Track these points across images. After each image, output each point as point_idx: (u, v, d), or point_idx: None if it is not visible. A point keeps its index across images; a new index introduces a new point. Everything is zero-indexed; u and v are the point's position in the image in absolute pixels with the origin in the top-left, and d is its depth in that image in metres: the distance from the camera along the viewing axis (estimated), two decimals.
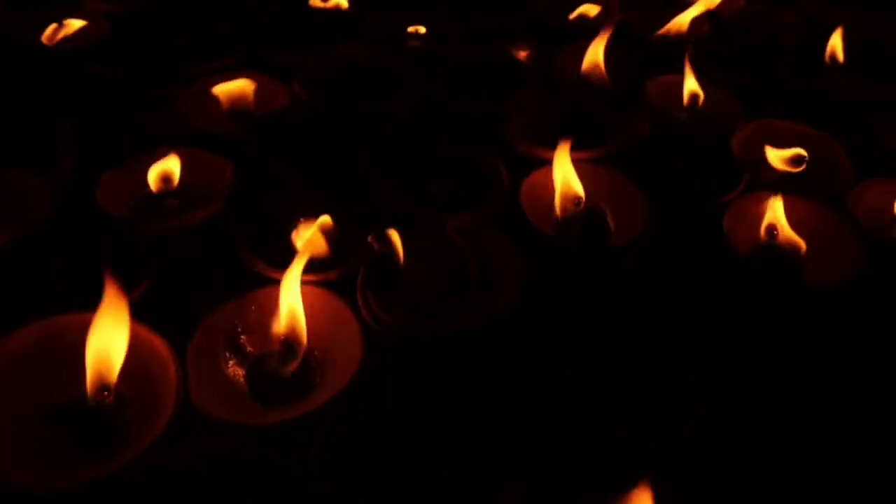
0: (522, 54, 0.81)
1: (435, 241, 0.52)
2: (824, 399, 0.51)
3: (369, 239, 0.50)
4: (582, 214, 0.57)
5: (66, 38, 0.72)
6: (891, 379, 0.52)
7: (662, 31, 0.80)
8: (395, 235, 0.49)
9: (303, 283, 0.47)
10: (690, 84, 0.70)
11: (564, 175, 0.57)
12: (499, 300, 0.48)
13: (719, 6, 0.84)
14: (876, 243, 0.58)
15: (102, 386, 0.40)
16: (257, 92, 0.67)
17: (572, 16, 0.84)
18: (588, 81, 0.74)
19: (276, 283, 0.48)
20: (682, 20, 0.80)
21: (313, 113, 0.66)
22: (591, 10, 0.84)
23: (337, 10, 0.80)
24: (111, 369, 0.41)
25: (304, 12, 0.79)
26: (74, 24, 0.73)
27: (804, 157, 0.64)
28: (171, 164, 0.55)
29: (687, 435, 0.47)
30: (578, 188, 0.57)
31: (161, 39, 0.74)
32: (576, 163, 0.59)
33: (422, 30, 0.78)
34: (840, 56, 0.77)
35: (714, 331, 0.53)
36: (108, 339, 0.41)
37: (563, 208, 0.57)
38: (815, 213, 0.59)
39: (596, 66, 0.74)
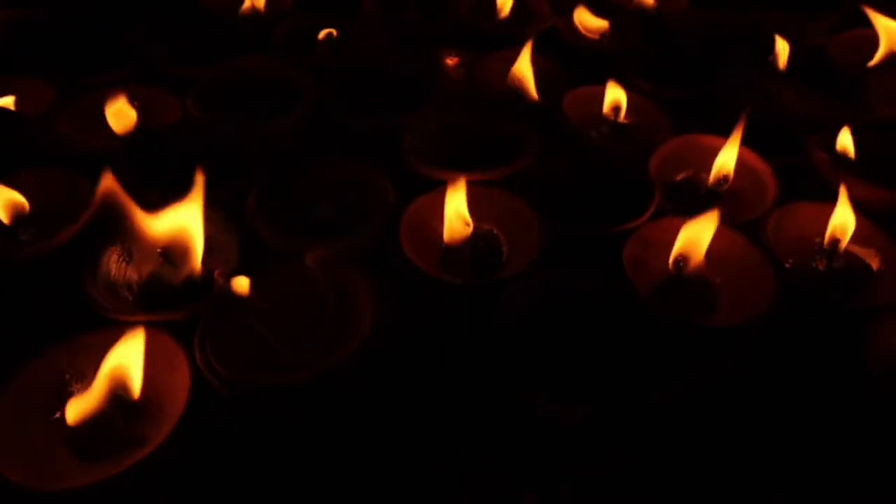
0: (448, 62, 0.77)
1: (294, 274, 0.47)
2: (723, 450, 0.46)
3: (216, 275, 0.46)
4: (471, 243, 0.53)
5: None
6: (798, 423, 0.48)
7: (590, 34, 0.75)
8: (238, 269, 0.45)
9: (142, 324, 0.43)
10: (613, 94, 0.65)
11: (456, 206, 0.52)
12: (353, 345, 0.43)
13: (658, 10, 0.79)
14: (792, 277, 0.53)
15: None
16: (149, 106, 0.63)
17: (502, 16, 0.79)
18: (511, 93, 0.69)
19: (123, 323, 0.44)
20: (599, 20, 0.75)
21: (201, 128, 0.61)
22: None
23: (249, 16, 0.75)
24: None
25: (210, 20, 0.75)
26: None
27: (728, 176, 0.59)
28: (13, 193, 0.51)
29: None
30: (466, 216, 0.52)
31: (53, 49, 0.70)
32: (471, 186, 0.55)
33: (333, 33, 0.73)
34: (781, 65, 0.71)
35: (605, 369, 0.48)
36: None
37: (451, 236, 0.53)
38: (729, 240, 0.54)
39: (521, 77, 0.69)
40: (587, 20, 0.77)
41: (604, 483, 0.44)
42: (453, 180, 0.52)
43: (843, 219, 0.53)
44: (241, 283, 0.45)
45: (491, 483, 0.44)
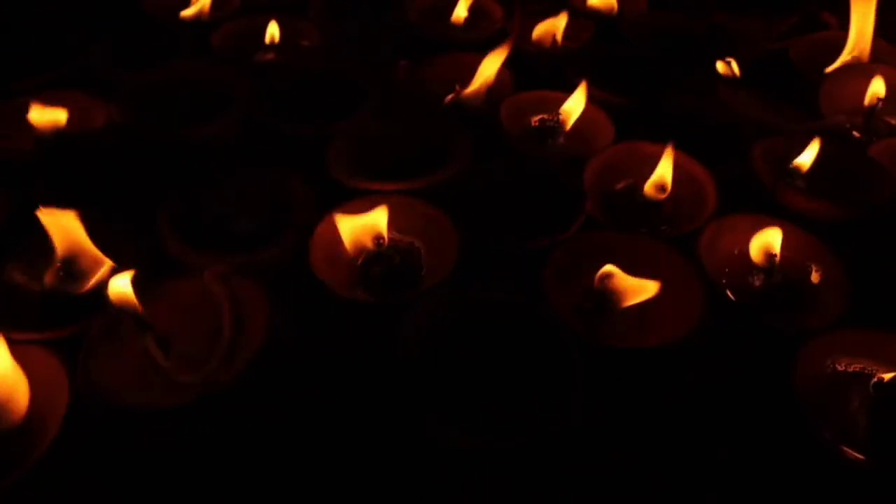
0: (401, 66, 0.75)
1: (191, 290, 0.46)
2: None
3: (108, 291, 0.44)
4: (387, 257, 0.51)
5: None
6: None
7: (537, 36, 0.73)
8: (127, 280, 0.43)
9: (22, 342, 0.42)
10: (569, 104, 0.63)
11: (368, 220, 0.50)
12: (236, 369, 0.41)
13: (617, 12, 0.76)
14: (725, 294, 0.50)
15: None
16: (73, 112, 0.61)
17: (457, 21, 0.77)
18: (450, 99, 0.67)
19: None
20: (556, 23, 0.72)
21: (126, 135, 0.60)
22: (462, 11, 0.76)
23: (191, 19, 0.73)
24: None
25: (151, 24, 0.73)
26: None
27: (666, 185, 0.57)
28: None
29: None
30: (381, 226, 0.50)
31: None
32: (393, 197, 0.53)
33: (276, 33, 0.71)
34: (737, 70, 0.68)
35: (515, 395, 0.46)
36: None
37: (360, 249, 0.51)
38: (660, 254, 0.52)
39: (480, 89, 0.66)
40: None
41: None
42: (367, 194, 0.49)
43: (771, 236, 0.51)
44: (132, 299, 0.43)
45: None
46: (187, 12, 0.74)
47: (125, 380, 0.42)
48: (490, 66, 0.65)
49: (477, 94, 0.66)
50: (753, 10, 0.74)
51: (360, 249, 0.50)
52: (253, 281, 0.45)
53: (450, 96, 0.65)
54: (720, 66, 0.67)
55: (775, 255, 0.51)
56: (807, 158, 0.57)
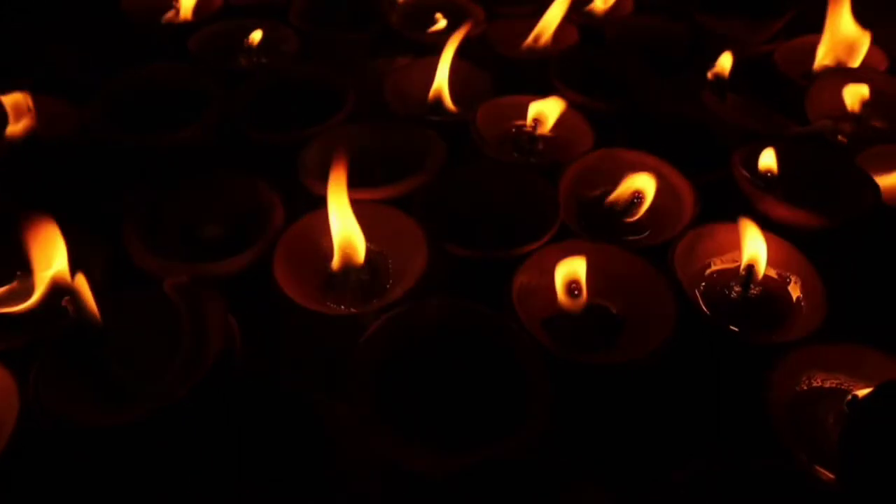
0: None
1: (151, 301, 0.45)
2: None
3: (64, 301, 0.43)
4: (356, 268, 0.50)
5: None
6: None
7: (528, 42, 0.72)
8: (83, 286, 0.42)
9: None
10: (537, 107, 0.62)
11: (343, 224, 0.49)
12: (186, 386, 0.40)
13: (599, 16, 0.75)
14: (700, 306, 0.49)
15: None
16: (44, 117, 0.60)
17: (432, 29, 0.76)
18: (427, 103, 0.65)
19: None
20: (547, 27, 0.71)
21: (97, 140, 0.59)
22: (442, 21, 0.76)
23: (169, 23, 0.73)
24: None
25: (127, 27, 0.73)
26: None
27: (641, 195, 0.56)
28: None
29: None
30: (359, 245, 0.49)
31: None
32: (362, 203, 0.52)
33: (256, 38, 0.70)
34: (725, 74, 0.67)
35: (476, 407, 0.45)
36: None
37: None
38: (633, 264, 0.50)
39: (438, 86, 0.65)
40: None
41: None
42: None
43: (755, 249, 0.49)
44: (90, 311, 0.42)
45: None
46: (166, 17, 0.73)
47: (79, 394, 0.41)
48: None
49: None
50: (740, 12, 0.73)
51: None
52: (214, 291, 0.44)
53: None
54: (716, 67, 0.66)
55: (755, 266, 0.50)
56: (773, 164, 0.55)
